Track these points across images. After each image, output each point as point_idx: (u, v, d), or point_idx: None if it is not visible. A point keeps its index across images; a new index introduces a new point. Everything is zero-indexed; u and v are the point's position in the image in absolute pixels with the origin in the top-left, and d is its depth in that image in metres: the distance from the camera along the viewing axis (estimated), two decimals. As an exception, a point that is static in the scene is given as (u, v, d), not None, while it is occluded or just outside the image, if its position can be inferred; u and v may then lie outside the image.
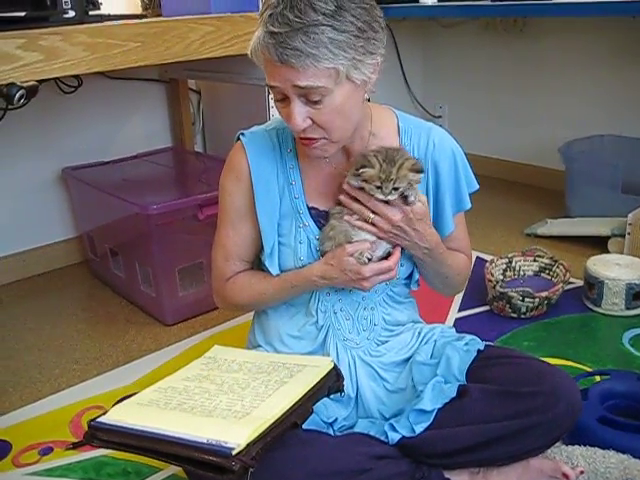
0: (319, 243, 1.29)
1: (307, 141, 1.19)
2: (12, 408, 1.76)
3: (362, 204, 1.24)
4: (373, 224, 1.24)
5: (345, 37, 1.08)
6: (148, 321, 2.20)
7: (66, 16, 1.91)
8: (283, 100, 1.15)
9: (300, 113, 1.14)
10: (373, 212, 1.23)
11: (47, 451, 1.58)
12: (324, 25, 1.07)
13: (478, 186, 1.39)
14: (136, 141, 2.80)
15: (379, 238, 1.26)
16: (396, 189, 1.20)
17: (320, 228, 1.30)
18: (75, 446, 1.49)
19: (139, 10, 2.57)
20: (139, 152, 2.74)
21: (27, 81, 1.51)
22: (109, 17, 2.13)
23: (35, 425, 1.68)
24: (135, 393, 1.70)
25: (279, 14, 1.07)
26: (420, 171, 1.22)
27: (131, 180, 2.43)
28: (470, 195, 1.39)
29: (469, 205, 1.39)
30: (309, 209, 1.31)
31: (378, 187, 1.20)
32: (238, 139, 1.33)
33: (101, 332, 2.15)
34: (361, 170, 1.20)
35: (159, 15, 2.46)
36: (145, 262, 2.17)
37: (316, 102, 1.12)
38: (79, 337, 2.13)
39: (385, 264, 1.25)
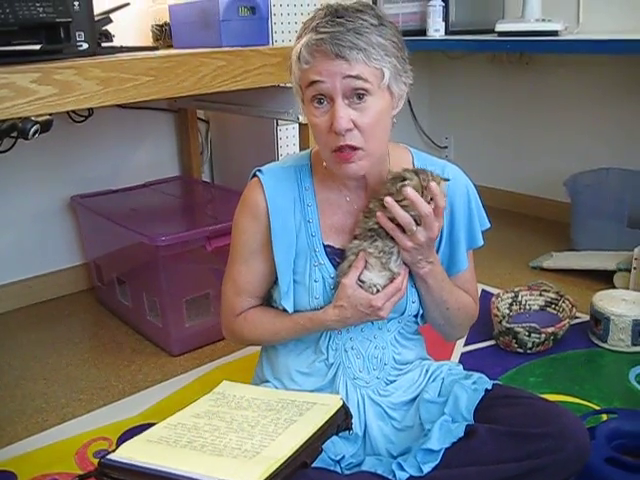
0: (336, 278, 1.29)
1: (345, 154, 1.19)
2: (17, 438, 1.76)
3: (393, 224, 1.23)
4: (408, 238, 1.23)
5: (389, 44, 1.17)
6: (154, 351, 2.20)
7: (79, 49, 1.93)
8: (323, 105, 1.18)
9: (345, 113, 1.16)
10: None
11: (52, 483, 1.58)
12: (371, 30, 1.16)
13: (490, 224, 1.40)
14: (144, 170, 2.83)
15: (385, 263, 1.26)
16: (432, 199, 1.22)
17: (334, 266, 1.30)
18: (81, 478, 1.49)
19: (150, 41, 2.60)
20: (147, 181, 2.76)
21: (41, 115, 1.53)
22: (121, 49, 2.15)
23: (40, 456, 1.68)
24: (141, 425, 1.75)
25: (328, 21, 1.16)
26: (446, 179, 1.26)
27: (139, 209, 2.45)
28: (482, 233, 1.40)
29: (481, 242, 1.40)
30: (324, 247, 1.32)
31: None
32: (254, 175, 1.34)
33: (107, 362, 2.15)
34: (406, 182, 1.20)
35: (170, 46, 2.50)
36: (152, 292, 2.18)
37: (360, 101, 1.17)
38: (85, 366, 2.13)
39: (393, 286, 1.26)
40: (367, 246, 1.26)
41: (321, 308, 1.31)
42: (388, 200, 1.20)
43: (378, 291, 1.25)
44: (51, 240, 2.65)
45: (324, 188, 1.33)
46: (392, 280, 1.27)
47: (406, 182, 1.21)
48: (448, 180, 1.27)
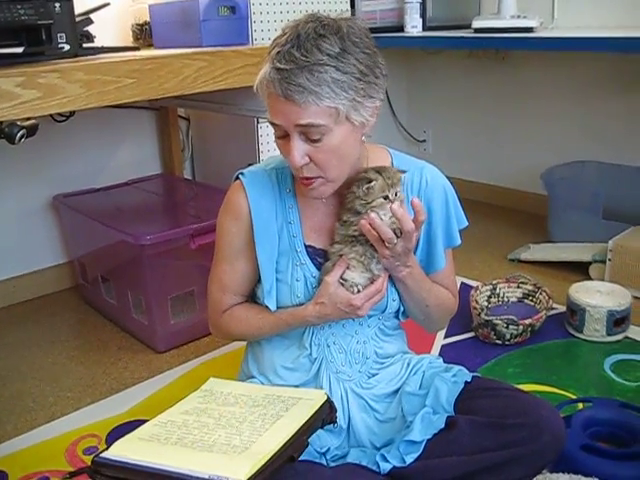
0: (319, 276, 1.33)
1: (306, 181, 1.23)
2: (7, 437, 1.78)
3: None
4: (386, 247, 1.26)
5: (347, 78, 1.14)
6: (140, 348, 2.23)
7: (61, 50, 1.95)
8: (284, 137, 1.20)
9: (299, 150, 1.18)
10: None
11: (44, 480, 1.60)
12: (328, 65, 1.13)
13: (467, 223, 1.44)
14: (126, 168, 2.84)
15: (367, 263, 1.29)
16: (396, 194, 1.25)
17: (316, 266, 1.34)
18: (72, 476, 1.52)
19: (130, 41, 2.61)
20: (129, 179, 2.78)
21: (27, 119, 1.55)
22: (102, 49, 2.16)
23: (31, 454, 1.70)
24: (130, 422, 1.78)
25: (286, 52, 1.14)
26: (403, 171, 1.29)
27: (122, 208, 2.47)
28: (460, 232, 1.44)
29: (459, 241, 1.43)
30: (306, 247, 1.35)
31: (385, 197, 1.24)
32: (237, 178, 1.37)
33: (93, 359, 2.17)
34: (372, 184, 1.23)
35: (150, 45, 2.52)
36: (138, 290, 2.20)
37: (315, 141, 1.17)
38: (71, 364, 2.15)
39: (373, 288, 1.30)
40: (347, 251, 1.29)
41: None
42: (375, 220, 1.22)
43: (359, 291, 1.29)
44: (34, 239, 2.66)
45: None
46: (373, 281, 1.30)
47: (372, 184, 1.24)
48: (405, 172, 1.29)
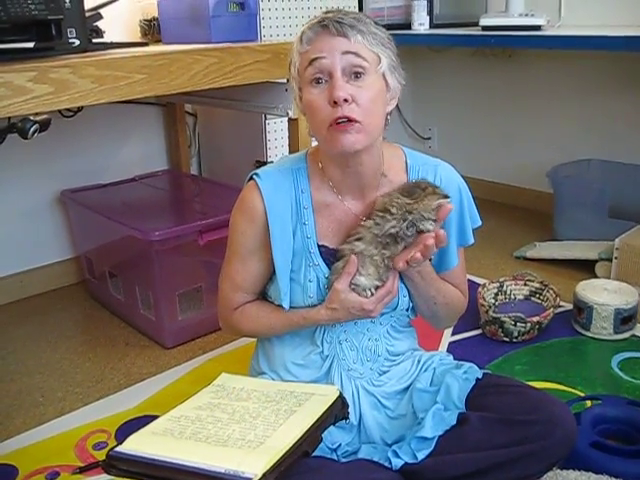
0: (330, 276, 1.33)
1: (341, 125, 1.21)
2: (17, 432, 1.79)
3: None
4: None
5: (386, 36, 1.26)
6: (148, 344, 2.23)
7: (71, 46, 1.95)
8: (320, 85, 1.23)
9: (343, 85, 1.21)
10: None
11: (54, 475, 1.60)
12: (370, 23, 1.24)
13: (481, 222, 1.45)
14: (133, 163, 2.85)
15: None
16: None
17: (329, 266, 1.34)
18: (82, 470, 1.53)
19: (138, 36, 2.62)
20: (137, 175, 2.78)
21: (40, 114, 1.55)
22: (112, 45, 2.16)
23: (40, 449, 1.71)
24: (138, 417, 1.78)
25: (330, 13, 1.24)
26: (447, 196, 1.29)
27: (130, 203, 2.47)
28: (473, 231, 1.44)
29: (472, 240, 1.44)
30: (319, 248, 1.35)
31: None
32: (251, 178, 1.36)
33: (101, 355, 2.18)
34: (440, 201, 1.27)
35: (158, 41, 2.51)
36: (146, 286, 2.21)
37: (357, 79, 1.21)
38: (80, 360, 2.16)
39: (384, 290, 1.30)
40: (373, 250, 1.28)
41: (314, 306, 1.35)
42: (440, 233, 1.24)
43: (372, 294, 1.29)
44: (41, 234, 2.67)
45: (319, 190, 1.36)
46: (383, 282, 1.31)
47: (440, 201, 1.26)
48: (448, 197, 1.29)
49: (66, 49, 1.93)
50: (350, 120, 1.21)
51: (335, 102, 1.20)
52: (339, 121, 1.21)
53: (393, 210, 1.27)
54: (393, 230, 1.26)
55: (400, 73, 1.28)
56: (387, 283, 1.30)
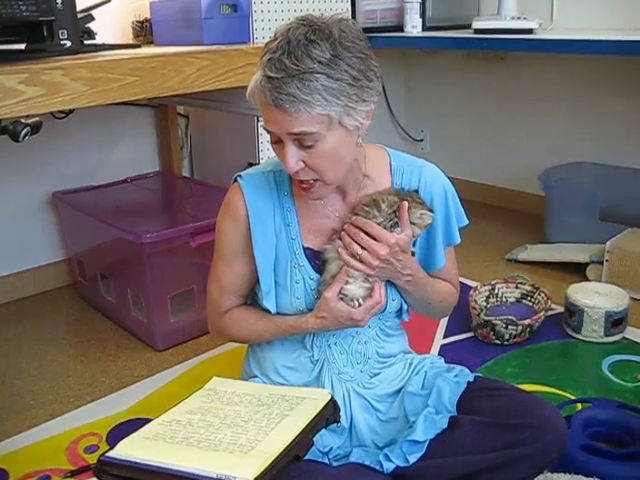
0: (318, 287, 1.33)
1: (304, 186, 1.24)
2: (7, 435, 1.78)
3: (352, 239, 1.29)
4: (361, 260, 1.28)
5: (339, 85, 1.13)
6: (139, 346, 2.23)
7: (63, 47, 1.94)
8: (278, 142, 1.21)
9: (293, 157, 1.18)
10: (362, 248, 1.28)
11: (45, 479, 1.60)
12: (319, 73, 1.11)
13: (468, 221, 1.45)
14: (125, 165, 2.84)
15: (367, 275, 1.30)
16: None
17: (314, 268, 1.34)
18: (73, 474, 1.53)
19: (131, 38, 2.61)
20: (128, 176, 2.77)
21: (31, 116, 1.55)
22: (104, 47, 2.16)
23: (31, 453, 1.70)
24: (130, 420, 1.78)
25: (277, 60, 1.12)
26: (431, 210, 1.32)
27: (121, 206, 2.47)
28: (459, 230, 1.44)
29: (459, 240, 1.44)
30: (304, 250, 1.35)
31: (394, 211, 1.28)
32: (235, 180, 1.36)
33: (93, 357, 2.17)
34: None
35: (151, 43, 2.51)
36: (137, 288, 2.20)
37: (309, 147, 1.17)
38: (71, 362, 2.15)
39: (373, 300, 1.30)
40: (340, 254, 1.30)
41: (302, 313, 1.35)
42: (345, 227, 1.29)
43: (360, 304, 1.30)
44: (32, 236, 2.66)
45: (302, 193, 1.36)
46: (370, 283, 1.31)
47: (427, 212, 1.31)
48: (432, 212, 1.32)
49: (58, 51, 1.92)
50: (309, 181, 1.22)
51: None
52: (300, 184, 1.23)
53: (383, 206, 1.29)
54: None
55: (366, 101, 1.18)
56: (375, 294, 1.31)
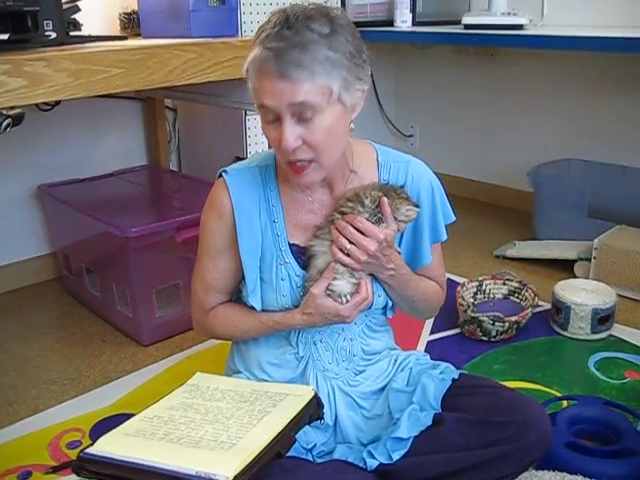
0: (304, 283, 1.32)
1: (297, 168, 1.21)
2: (-12, 430, 1.77)
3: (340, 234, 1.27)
4: (348, 255, 1.27)
5: (339, 57, 1.14)
6: (124, 341, 2.21)
7: (48, 38, 1.92)
8: (274, 122, 1.18)
9: (292, 132, 1.16)
10: (350, 242, 1.27)
11: (26, 475, 1.58)
12: (320, 44, 1.12)
13: (455, 218, 1.44)
14: (112, 158, 2.82)
15: (354, 270, 1.29)
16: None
17: (300, 264, 1.33)
18: (55, 470, 1.51)
19: (118, 29, 2.58)
20: (115, 170, 2.75)
21: (13, 107, 1.52)
22: (90, 38, 2.14)
23: (13, 448, 1.68)
24: (114, 416, 1.77)
25: (276, 33, 1.13)
26: (417, 205, 1.31)
27: (108, 199, 2.45)
28: (446, 226, 1.43)
29: (445, 237, 1.43)
30: (290, 246, 1.34)
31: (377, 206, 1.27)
32: (220, 176, 1.35)
33: (77, 352, 2.15)
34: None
35: (138, 35, 2.49)
36: (122, 283, 2.18)
37: (308, 120, 1.15)
38: (55, 357, 2.13)
39: (360, 297, 1.30)
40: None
41: (288, 309, 1.34)
42: (337, 222, 1.27)
43: (347, 301, 1.29)
44: (17, 229, 2.63)
45: (288, 188, 1.34)
46: (356, 279, 1.30)
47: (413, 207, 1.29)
48: (418, 207, 1.31)
49: (42, 42, 1.90)
50: (304, 161, 1.20)
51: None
52: (294, 163, 1.20)
53: (367, 201, 1.27)
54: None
55: (361, 79, 1.20)
56: (361, 290, 1.30)
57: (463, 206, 3.29)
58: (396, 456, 1.28)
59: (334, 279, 1.28)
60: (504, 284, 2.37)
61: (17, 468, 1.60)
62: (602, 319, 2.11)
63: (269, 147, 1.32)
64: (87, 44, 2.01)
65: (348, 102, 1.19)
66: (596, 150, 3.01)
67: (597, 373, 1.94)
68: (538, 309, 2.28)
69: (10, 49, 1.76)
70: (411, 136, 3.83)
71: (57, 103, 2.49)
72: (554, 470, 1.47)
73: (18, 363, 2.10)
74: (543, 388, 1.87)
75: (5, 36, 1.80)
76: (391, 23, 3.02)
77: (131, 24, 2.54)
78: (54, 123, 2.62)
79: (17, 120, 1.52)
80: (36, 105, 2.45)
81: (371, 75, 1.27)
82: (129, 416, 1.22)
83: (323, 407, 1.29)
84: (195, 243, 1.43)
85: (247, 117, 2.58)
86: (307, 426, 1.28)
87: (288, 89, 1.12)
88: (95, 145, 2.80)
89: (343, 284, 1.28)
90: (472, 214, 3.32)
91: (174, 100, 2.98)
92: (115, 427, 1.18)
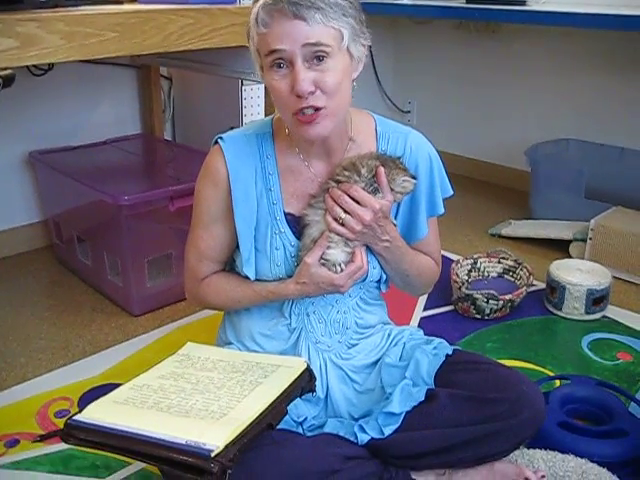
0: (298, 252, 1.30)
1: (307, 116, 1.17)
2: (-24, 397, 1.75)
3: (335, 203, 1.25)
4: (343, 224, 1.25)
5: (348, 4, 1.16)
6: (115, 311, 2.19)
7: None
8: (283, 69, 1.16)
9: (305, 77, 1.14)
10: (345, 212, 1.24)
11: (13, 443, 1.56)
12: None
13: (452, 192, 1.42)
14: (105, 126, 2.78)
15: (348, 239, 1.27)
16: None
17: (295, 234, 1.31)
18: (42, 438, 1.49)
19: (114, -6, 2.53)
20: (108, 138, 2.71)
21: (3, 68, 1.49)
22: (85, 1, 2.09)
23: (0, 416, 1.66)
24: (103, 385, 1.75)
25: None
26: (414, 177, 1.29)
27: (101, 167, 2.41)
28: (444, 200, 1.41)
29: (442, 210, 1.41)
30: (285, 215, 1.32)
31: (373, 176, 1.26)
32: (216, 142, 1.32)
33: (67, 321, 2.13)
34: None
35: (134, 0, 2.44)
36: (114, 252, 2.16)
37: (320, 62, 1.14)
38: (44, 325, 2.11)
39: (354, 265, 1.28)
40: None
41: (281, 279, 1.32)
42: (331, 191, 1.26)
43: (342, 270, 1.27)
44: (8, 196, 2.59)
45: (285, 156, 1.32)
46: (351, 248, 1.28)
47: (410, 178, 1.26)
48: (415, 179, 1.29)
49: (35, 3, 1.86)
50: (316, 108, 1.17)
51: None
52: (304, 111, 1.17)
53: (363, 171, 1.25)
54: None
55: (364, 34, 1.21)
56: (356, 259, 1.28)
57: (459, 184, 3.22)
58: (388, 431, 1.27)
59: (328, 248, 1.26)
60: (499, 262, 2.36)
61: (4, 436, 1.59)
62: (596, 300, 2.10)
63: (265, 116, 1.30)
64: (81, 7, 1.97)
65: (355, 54, 1.20)
66: (595, 131, 2.99)
67: (590, 353, 1.93)
68: (533, 288, 2.27)
69: (2, 9, 1.72)
70: (409, 112, 3.80)
71: (50, 68, 2.45)
72: (546, 449, 1.46)
73: (6, 330, 2.07)
74: (536, 367, 1.86)
75: (-3, -4, 1.76)
76: (392, -4, 2.98)
77: (127, -11, 2.48)
78: (47, 89, 2.57)
79: (8, 81, 1.48)
80: (28, 69, 2.40)
81: (370, 48, 1.26)
82: (118, 386, 1.20)
83: (315, 380, 1.27)
84: (189, 213, 1.40)
85: (243, 87, 2.54)
86: (298, 399, 1.27)
87: (303, 29, 1.12)
88: (89, 113, 2.76)
89: (337, 253, 1.26)
90: (468, 192, 3.29)
91: (169, 68, 2.94)
92: (104, 395, 1.16)
